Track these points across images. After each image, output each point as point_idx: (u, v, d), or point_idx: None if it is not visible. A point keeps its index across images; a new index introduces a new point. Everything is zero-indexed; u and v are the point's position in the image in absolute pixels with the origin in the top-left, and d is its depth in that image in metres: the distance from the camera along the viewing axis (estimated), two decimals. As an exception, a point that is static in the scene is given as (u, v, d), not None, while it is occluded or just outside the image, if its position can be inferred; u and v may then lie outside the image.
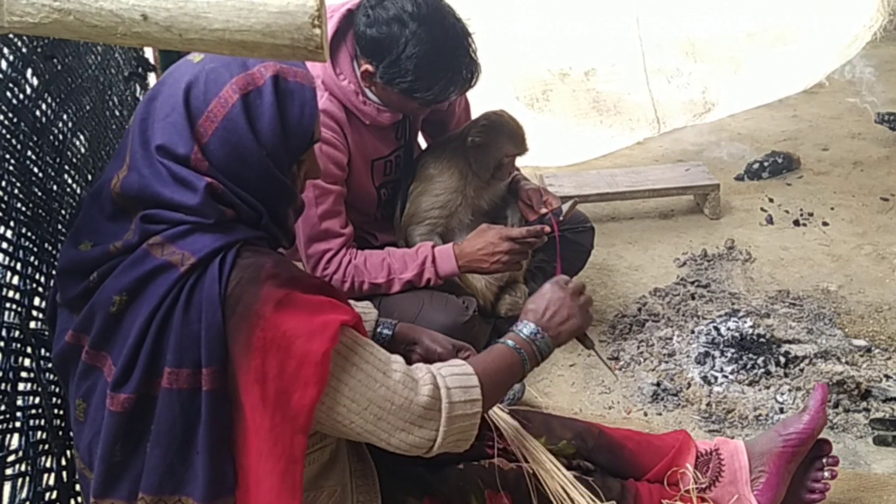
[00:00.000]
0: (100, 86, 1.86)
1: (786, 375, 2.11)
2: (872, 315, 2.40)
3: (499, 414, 1.55)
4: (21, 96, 1.34)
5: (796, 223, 2.97)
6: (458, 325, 1.99)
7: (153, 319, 1.06)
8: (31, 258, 1.30)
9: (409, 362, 1.53)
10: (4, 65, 1.30)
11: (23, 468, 1.18)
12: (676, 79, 4.00)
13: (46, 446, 1.26)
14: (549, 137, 3.51)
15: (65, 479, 1.28)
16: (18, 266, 1.26)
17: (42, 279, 1.32)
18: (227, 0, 0.80)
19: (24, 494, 1.17)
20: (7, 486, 1.15)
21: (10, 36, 1.30)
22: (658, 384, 2.14)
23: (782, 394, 2.06)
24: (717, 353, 2.21)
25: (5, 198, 1.23)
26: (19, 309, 1.24)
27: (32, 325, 1.27)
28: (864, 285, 2.56)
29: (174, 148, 1.09)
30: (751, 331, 2.25)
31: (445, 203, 2.11)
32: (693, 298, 2.49)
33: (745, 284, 2.59)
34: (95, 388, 1.11)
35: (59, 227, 1.41)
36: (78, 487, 1.28)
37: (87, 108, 1.72)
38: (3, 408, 1.15)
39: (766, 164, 3.35)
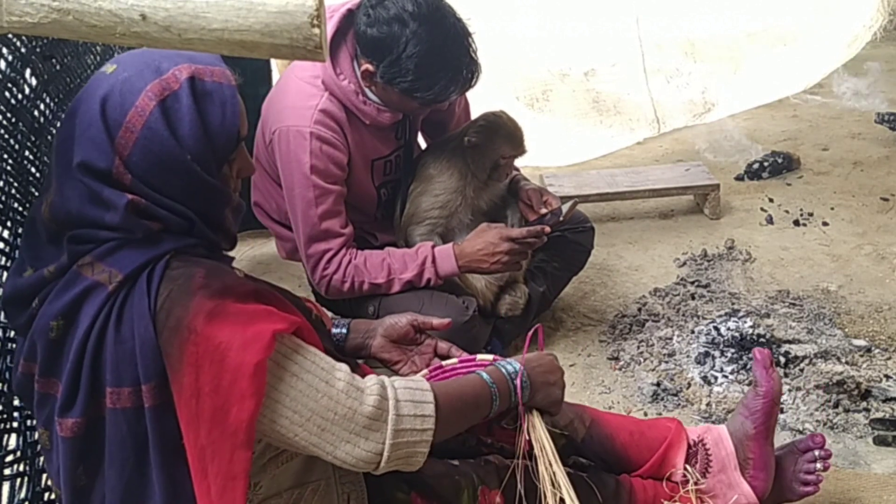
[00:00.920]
0: (99, 85, 1.86)
1: (786, 375, 2.11)
2: (872, 315, 2.39)
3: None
4: (20, 96, 1.34)
5: (796, 223, 2.97)
6: (458, 325, 1.99)
7: (88, 340, 1.04)
8: (30, 258, 1.30)
9: (371, 350, 1.49)
10: (3, 65, 1.29)
11: (21, 468, 1.18)
12: (676, 79, 3.99)
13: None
14: (548, 137, 3.51)
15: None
16: (17, 266, 1.25)
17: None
18: (226, 0, 0.80)
19: (22, 494, 1.17)
20: (6, 486, 1.15)
21: (9, 36, 1.30)
22: (658, 384, 2.13)
23: (782, 394, 2.06)
24: (717, 353, 2.21)
25: (3, 198, 1.23)
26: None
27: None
28: (864, 285, 2.56)
29: (95, 163, 1.06)
30: (751, 331, 2.25)
31: (445, 203, 2.10)
32: (693, 298, 2.49)
33: (745, 284, 2.59)
34: (53, 415, 1.09)
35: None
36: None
37: (87, 107, 1.72)
38: (0, 408, 1.15)
39: (766, 164, 3.34)
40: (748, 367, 2.13)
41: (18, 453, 1.19)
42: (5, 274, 1.23)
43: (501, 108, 2.17)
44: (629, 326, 2.38)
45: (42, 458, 1.25)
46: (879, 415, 1.98)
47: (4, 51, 1.30)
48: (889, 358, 2.18)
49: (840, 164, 3.43)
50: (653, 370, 2.20)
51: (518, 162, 2.16)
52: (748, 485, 1.59)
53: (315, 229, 1.95)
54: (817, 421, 1.98)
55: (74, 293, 1.06)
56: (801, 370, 2.11)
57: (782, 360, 2.14)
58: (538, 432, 1.35)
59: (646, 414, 2.05)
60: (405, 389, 1.14)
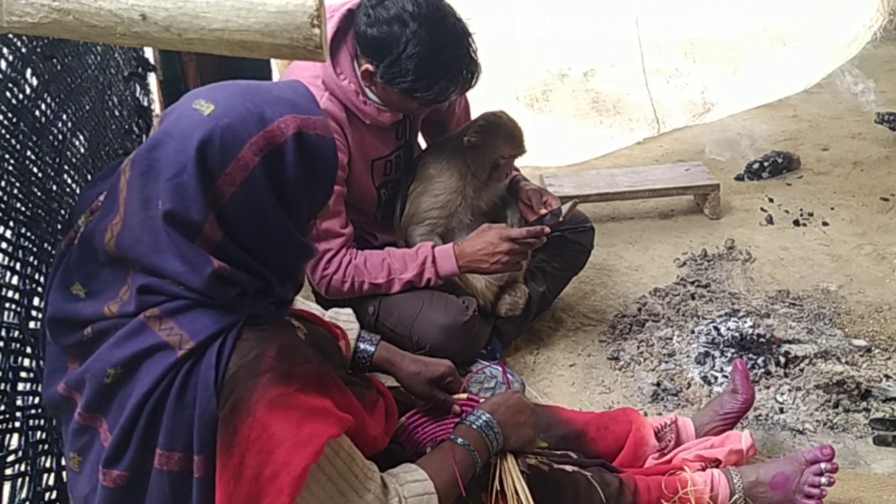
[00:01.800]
0: (100, 86, 1.86)
1: (786, 375, 2.11)
2: (872, 315, 2.39)
3: None
4: (21, 96, 1.34)
5: (796, 223, 2.97)
6: (457, 325, 1.99)
7: (147, 401, 1.02)
8: (31, 258, 1.30)
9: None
10: (4, 65, 1.30)
11: (22, 468, 1.18)
12: (675, 79, 4.00)
13: (46, 446, 1.26)
14: (548, 137, 3.52)
15: (64, 479, 1.28)
16: (18, 266, 1.26)
17: (42, 279, 1.32)
18: (226, 0, 0.80)
19: (23, 494, 1.17)
20: (7, 486, 1.15)
21: (10, 36, 1.30)
22: (658, 384, 2.14)
23: (782, 394, 2.06)
24: (717, 353, 2.21)
25: (5, 198, 1.23)
26: (19, 309, 1.24)
27: (32, 325, 1.27)
28: (864, 285, 2.56)
29: (186, 214, 0.99)
30: (751, 331, 2.25)
31: (445, 203, 2.11)
32: (693, 298, 2.49)
33: (745, 284, 2.59)
34: (91, 447, 1.08)
35: (59, 227, 1.41)
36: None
37: (87, 108, 1.73)
38: (2, 408, 1.15)
39: (766, 164, 3.34)
40: (748, 366, 2.13)
41: (20, 453, 1.19)
42: (7, 274, 1.23)
43: (501, 108, 2.17)
44: (629, 326, 2.39)
45: (44, 459, 1.25)
46: (879, 415, 1.98)
47: (5, 51, 1.31)
48: (889, 358, 2.18)
49: (840, 164, 3.43)
50: (653, 370, 2.20)
51: (518, 162, 2.16)
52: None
53: (315, 229, 1.95)
54: (817, 421, 1.98)
55: (139, 348, 1.02)
56: (801, 370, 2.11)
57: (782, 360, 2.14)
58: (510, 478, 1.35)
59: (646, 414, 2.05)
60: (415, 498, 1.16)
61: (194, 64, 2.57)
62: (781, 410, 2.02)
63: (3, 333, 1.18)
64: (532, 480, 1.39)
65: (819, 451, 1.63)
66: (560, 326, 2.42)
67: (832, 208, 3.06)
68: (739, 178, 3.33)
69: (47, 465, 1.26)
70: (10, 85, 1.31)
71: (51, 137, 1.45)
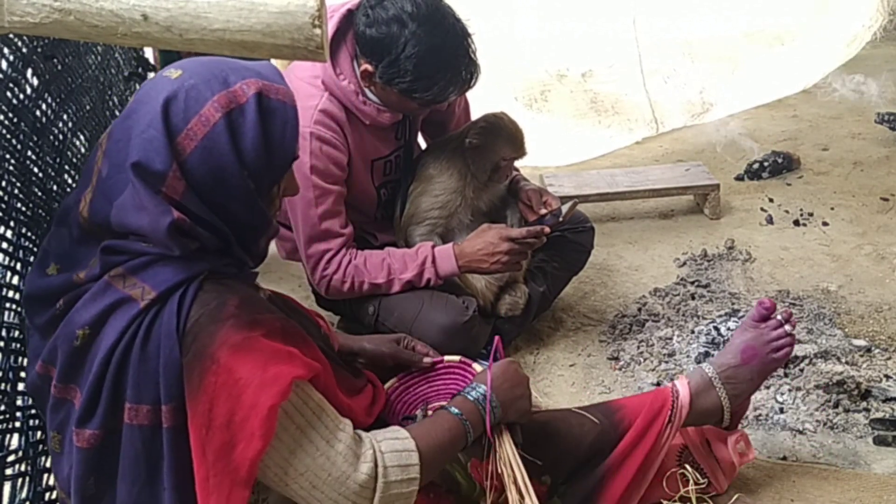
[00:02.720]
0: (100, 86, 1.86)
1: (785, 375, 2.11)
2: (872, 315, 2.39)
3: None
4: (21, 96, 1.34)
5: (796, 223, 2.97)
6: (458, 325, 1.99)
7: (113, 354, 1.04)
8: (31, 258, 1.30)
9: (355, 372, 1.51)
10: (4, 65, 1.30)
11: (22, 468, 1.18)
12: (673, 79, 4.00)
13: (46, 446, 1.25)
14: (547, 137, 3.52)
15: (65, 479, 1.28)
16: (18, 266, 1.26)
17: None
18: (228, 0, 0.80)
19: (23, 494, 1.17)
20: (7, 486, 1.15)
21: (11, 36, 1.30)
22: (658, 384, 2.14)
23: (782, 394, 2.06)
24: (717, 353, 2.21)
25: (5, 198, 1.23)
26: (19, 309, 1.24)
27: (32, 325, 1.26)
28: (864, 285, 2.56)
29: (151, 164, 1.04)
30: (751, 331, 2.25)
31: (445, 203, 2.11)
32: (693, 298, 2.49)
33: (745, 284, 2.59)
34: (69, 421, 1.09)
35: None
36: None
37: (87, 108, 1.73)
38: (2, 408, 1.15)
39: (766, 164, 3.34)
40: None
41: (20, 453, 1.19)
42: (8, 274, 1.23)
43: (500, 108, 2.17)
44: (629, 326, 2.39)
45: (44, 459, 1.25)
46: (879, 415, 1.98)
47: (6, 51, 1.31)
48: (889, 358, 2.18)
49: (840, 164, 3.43)
50: (653, 370, 2.20)
51: (517, 162, 2.17)
52: None
53: (315, 229, 1.95)
54: (817, 421, 1.98)
55: (104, 304, 1.05)
56: (801, 370, 2.11)
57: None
58: (506, 454, 1.37)
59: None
60: (393, 453, 1.16)
61: (194, 64, 2.57)
62: (781, 410, 2.02)
63: (3, 333, 1.18)
64: (524, 431, 1.41)
65: (759, 306, 1.68)
66: (560, 326, 2.42)
67: (832, 208, 3.06)
68: (739, 178, 3.33)
69: (47, 465, 1.26)
70: (11, 85, 1.31)
71: (51, 137, 1.45)
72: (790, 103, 4.14)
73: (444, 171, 2.11)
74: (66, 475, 1.11)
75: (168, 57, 2.53)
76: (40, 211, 1.35)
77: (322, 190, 1.92)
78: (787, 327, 1.65)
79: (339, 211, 1.98)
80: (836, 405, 2.01)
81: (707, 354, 2.21)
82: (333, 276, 1.99)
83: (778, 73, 4.17)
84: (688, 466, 1.64)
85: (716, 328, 2.30)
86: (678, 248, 2.84)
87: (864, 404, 2.02)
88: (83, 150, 1.65)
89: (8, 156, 1.26)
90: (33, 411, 1.24)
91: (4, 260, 1.23)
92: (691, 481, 1.60)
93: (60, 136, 1.51)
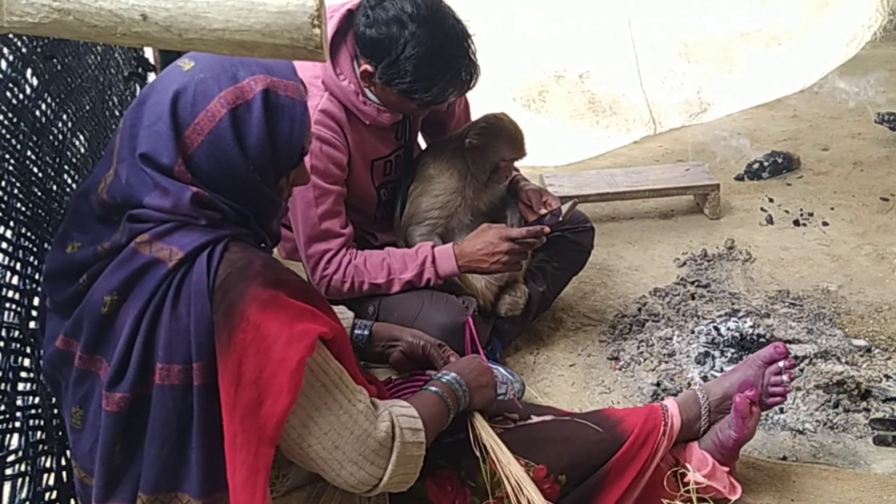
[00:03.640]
0: (100, 86, 1.86)
1: (786, 375, 2.11)
2: (872, 315, 2.39)
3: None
4: (21, 96, 1.34)
5: (796, 223, 2.97)
6: (458, 325, 1.99)
7: (143, 316, 1.05)
8: (31, 258, 1.30)
9: (389, 360, 1.55)
10: (4, 65, 1.30)
11: (23, 468, 1.18)
12: (670, 79, 4.01)
13: (46, 446, 1.26)
14: (546, 138, 3.52)
15: (65, 479, 1.28)
16: (18, 266, 1.26)
17: (42, 279, 1.32)
18: (227, 0, 0.80)
19: (23, 494, 1.17)
20: (7, 486, 1.15)
21: (10, 36, 1.30)
22: (658, 384, 2.14)
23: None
24: (717, 353, 2.21)
25: (5, 198, 1.23)
26: (19, 309, 1.24)
27: (32, 325, 1.27)
28: (864, 285, 2.56)
29: (157, 157, 1.08)
30: (751, 331, 2.25)
31: (445, 203, 2.11)
32: (693, 298, 2.49)
33: (745, 284, 2.59)
34: (93, 393, 1.10)
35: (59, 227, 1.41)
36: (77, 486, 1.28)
37: (87, 108, 1.73)
38: (2, 408, 1.15)
39: (766, 164, 3.34)
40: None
41: (20, 453, 1.19)
42: (7, 274, 1.23)
43: (498, 109, 2.17)
44: (629, 326, 2.39)
45: (44, 459, 1.25)
46: (879, 415, 1.98)
47: (5, 51, 1.31)
48: (889, 358, 2.18)
49: (840, 164, 3.43)
50: (653, 370, 2.20)
51: (517, 162, 2.16)
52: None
53: (315, 229, 1.95)
54: (817, 421, 1.98)
55: (131, 269, 1.07)
56: (801, 370, 2.11)
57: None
58: (485, 432, 1.44)
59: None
60: (404, 417, 1.19)
61: (194, 64, 2.57)
62: (781, 410, 2.02)
63: (3, 333, 1.18)
64: (521, 437, 1.46)
65: (773, 349, 1.69)
66: (560, 326, 2.42)
67: (832, 208, 3.06)
68: (739, 178, 3.33)
69: (47, 465, 1.26)
70: (11, 85, 1.31)
71: (51, 137, 1.45)
72: (790, 103, 4.14)
73: (444, 171, 2.11)
74: (87, 451, 1.12)
75: (168, 57, 2.53)
76: (40, 211, 1.34)
77: (322, 190, 1.92)
78: (784, 377, 1.68)
79: (339, 211, 1.98)
80: (836, 405, 2.01)
81: (707, 354, 2.21)
82: (333, 276, 1.99)
83: (776, 72, 4.18)
84: (688, 465, 1.64)
85: (716, 328, 2.30)
86: (678, 248, 2.84)
87: (864, 404, 2.02)
88: (83, 150, 1.65)
89: (7, 156, 1.26)
90: (33, 411, 1.24)
91: (4, 260, 1.23)
92: (692, 481, 1.60)
93: (60, 136, 1.51)
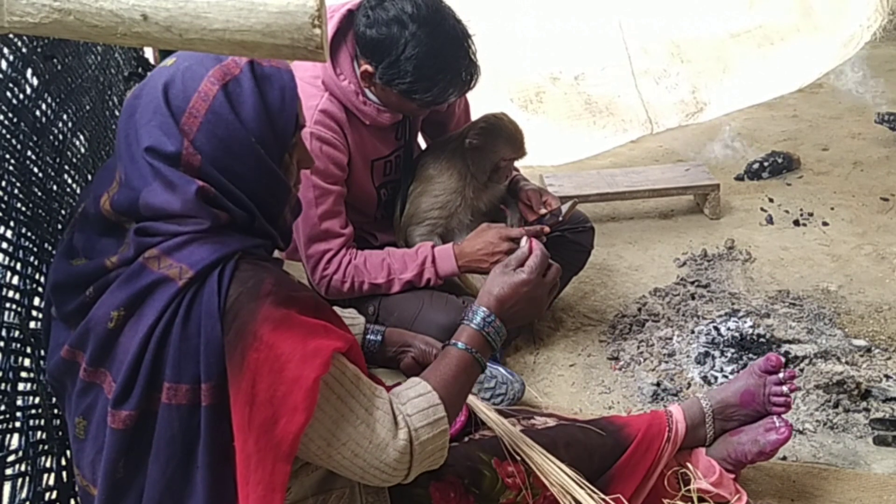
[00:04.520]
0: (100, 86, 1.86)
1: (786, 375, 2.11)
2: (872, 315, 2.39)
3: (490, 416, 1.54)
4: (21, 96, 1.34)
5: (796, 223, 2.97)
6: (457, 325, 1.98)
7: (152, 334, 1.04)
8: (31, 258, 1.30)
9: (400, 366, 1.55)
10: (4, 65, 1.29)
11: (23, 468, 1.18)
12: (664, 80, 4.02)
13: (46, 446, 1.25)
14: (544, 138, 3.53)
15: (65, 479, 1.28)
16: (18, 266, 1.26)
17: (42, 279, 1.32)
18: (227, 0, 0.80)
19: (23, 494, 1.17)
20: (7, 486, 1.15)
21: (10, 36, 1.30)
22: (658, 384, 2.14)
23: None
24: (717, 353, 2.21)
25: (5, 198, 1.23)
26: (19, 309, 1.24)
27: (32, 325, 1.26)
28: (864, 285, 2.56)
29: (163, 147, 1.08)
30: (751, 331, 2.25)
31: (445, 203, 2.11)
32: (693, 298, 2.49)
33: (745, 284, 2.59)
34: (96, 406, 1.10)
35: (59, 227, 1.41)
36: (78, 492, 1.28)
37: (87, 108, 1.72)
38: (2, 408, 1.15)
39: (766, 164, 3.34)
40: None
41: (20, 453, 1.18)
42: (8, 274, 1.23)
43: (496, 109, 2.17)
44: (629, 326, 2.39)
45: (44, 459, 1.25)
46: (879, 415, 1.98)
47: (6, 51, 1.30)
48: (889, 358, 2.18)
49: (840, 164, 3.43)
50: (653, 370, 2.20)
51: (516, 163, 2.17)
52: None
53: (315, 229, 1.95)
54: (817, 421, 1.98)
55: (140, 285, 1.06)
56: (801, 370, 2.11)
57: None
58: (492, 419, 1.46)
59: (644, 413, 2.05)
60: (419, 414, 1.16)
61: (194, 64, 2.57)
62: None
63: (3, 333, 1.18)
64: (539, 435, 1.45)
65: (765, 362, 1.69)
66: (560, 326, 2.42)
67: (832, 208, 3.07)
68: (739, 178, 3.33)
69: (47, 465, 1.26)
70: (11, 85, 1.31)
71: (51, 137, 1.45)
72: (790, 103, 4.14)
73: (444, 171, 2.11)
74: (90, 461, 1.11)
75: (168, 57, 2.53)
76: (40, 211, 1.34)
77: (322, 190, 1.92)
78: (785, 388, 1.68)
79: (339, 211, 1.98)
80: (836, 405, 2.01)
81: (707, 354, 2.21)
82: (333, 276, 1.99)
83: (771, 72, 4.19)
84: (689, 465, 1.64)
85: (716, 328, 2.30)
86: (678, 248, 2.84)
87: (864, 404, 2.02)
88: (83, 150, 1.65)
89: (8, 156, 1.26)
90: (33, 411, 1.24)
91: (4, 260, 1.23)
92: (693, 481, 1.60)
93: (60, 136, 1.51)
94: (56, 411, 1.29)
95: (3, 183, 1.23)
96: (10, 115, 1.28)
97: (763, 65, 4.20)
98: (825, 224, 2.95)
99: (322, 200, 1.93)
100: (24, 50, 1.37)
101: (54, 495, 1.25)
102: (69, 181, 1.52)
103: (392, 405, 1.16)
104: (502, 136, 2.08)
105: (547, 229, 2.02)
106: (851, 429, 1.96)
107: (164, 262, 1.06)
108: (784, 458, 1.87)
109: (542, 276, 1.35)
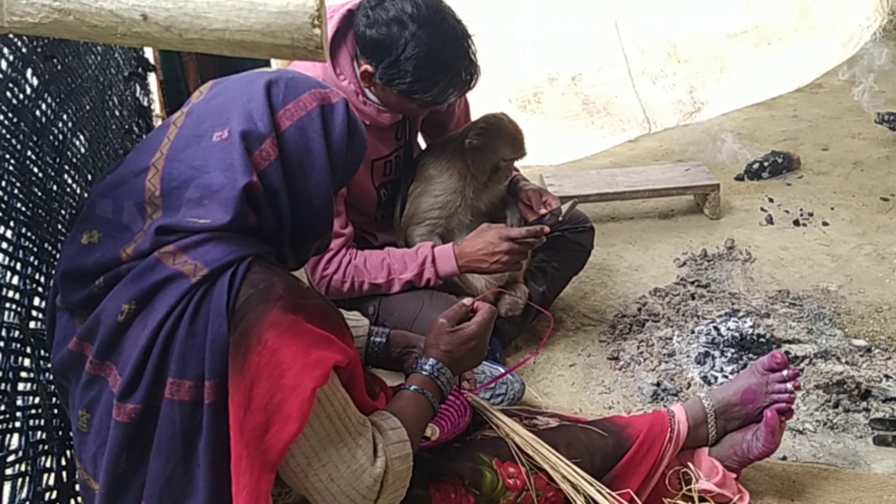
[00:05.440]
0: (100, 86, 1.86)
1: (786, 375, 2.11)
2: (872, 315, 2.39)
3: (506, 422, 1.54)
4: (21, 96, 1.34)
5: (796, 223, 2.97)
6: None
7: (161, 329, 1.05)
8: (31, 258, 1.30)
9: (403, 367, 1.54)
10: (4, 65, 1.30)
11: (23, 468, 1.18)
12: (662, 80, 4.03)
13: (46, 446, 1.25)
14: (543, 138, 3.53)
15: (65, 479, 1.28)
16: (18, 266, 1.26)
17: (42, 279, 1.32)
18: (227, 0, 0.80)
19: (23, 494, 1.17)
20: (7, 486, 1.15)
21: (10, 36, 1.30)
22: (658, 384, 2.14)
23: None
24: (717, 353, 2.21)
25: (5, 198, 1.23)
26: (19, 309, 1.24)
27: (32, 325, 1.27)
28: (864, 285, 2.56)
29: (254, 127, 1.11)
30: (751, 331, 2.25)
31: (445, 204, 2.11)
32: (693, 298, 2.49)
33: (745, 284, 2.59)
34: (100, 399, 1.10)
35: (59, 227, 1.41)
36: (78, 487, 1.28)
37: (87, 108, 1.73)
38: (2, 408, 1.15)
39: (766, 164, 3.34)
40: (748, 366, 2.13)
41: (20, 453, 1.18)
42: (7, 274, 1.23)
43: (495, 110, 2.17)
44: (629, 326, 2.39)
45: (44, 459, 1.25)
46: (879, 415, 1.98)
47: (6, 51, 1.31)
48: (889, 358, 2.18)
49: (840, 164, 3.43)
50: (653, 370, 2.20)
51: (517, 162, 2.17)
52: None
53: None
54: (817, 421, 1.98)
55: (153, 280, 1.06)
56: (801, 370, 2.11)
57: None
58: (500, 418, 1.48)
59: (646, 413, 2.05)
60: (394, 446, 1.19)
61: (194, 64, 2.57)
62: (790, 411, 2.02)
63: (3, 333, 1.18)
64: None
65: (770, 359, 1.69)
66: (560, 326, 2.42)
67: (832, 208, 3.07)
68: (739, 178, 3.33)
69: (47, 465, 1.26)
70: (11, 85, 1.31)
71: (51, 137, 1.45)
72: (790, 103, 4.14)
73: (444, 171, 2.11)
74: (91, 455, 1.11)
75: (168, 57, 2.53)
76: (40, 211, 1.34)
77: (322, 190, 1.92)
78: (790, 385, 1.67)
79: (339, 211, 1.98)
80: (836, 405, 2.01)
81: (707, 354, 2.21)
82: (333, 276, 1.99)
83: (769, 72, 4.20)
84: (690, 465, 1.64)
85: (716, 328, 2.30)
86: (678, 248, 2.84)
87: (864, 404, 2.02)
88: (83, 150, 1.65)
89: (8, 156, 1.26)
90: (33, 411, 1.24)
91: (4, 260, 1.23)
92: (694, 480, 1.60)
93: (60, 137, 1.51)
94: (56, 411, 1.29)
95: (3, 183, 1.23)
96: (10, 115, 1.28)
97: (761, 65, 4.21)
98: (825, 224, 2.95)
99: (322, 200, 1.93)
100: (24, 50, 1.37)
101: (54, 495, 1.25)
102: (69, 181, 1.52)
103: (374, 434, 1.17)
104: (502, 136, 2.08)
105: (547, 229, 2.02)
106: (851, 429, 1.96)
107: (180, 258, 1.07)
108: (784, 458, 1.87)
109: (487, 328, 1.42)
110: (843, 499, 1.75)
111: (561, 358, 2.29)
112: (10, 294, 1.23)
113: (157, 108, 2.61)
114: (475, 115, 2.20)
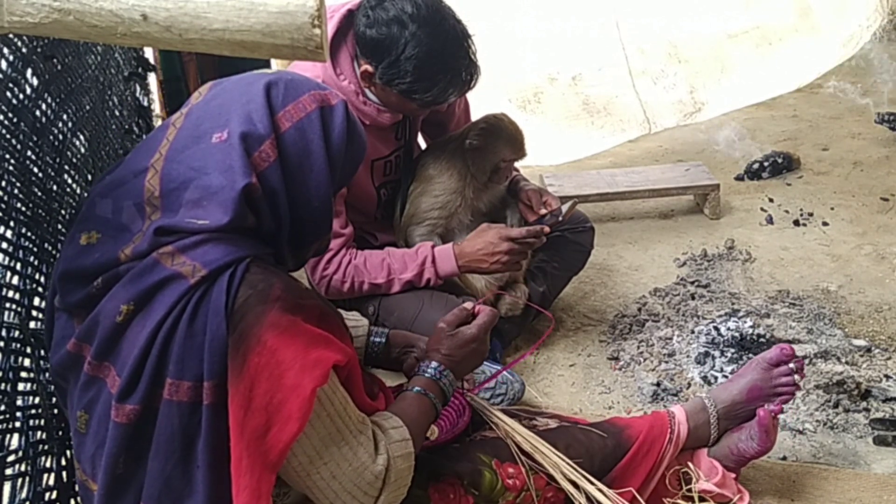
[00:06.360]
0: (100, 86, 1.86)
1: (786, 375, 2.11)
2: (872, 315, 2.39)
3: (508, 423, 1.54)
4: (21, 96, 1.34)
5: (796, 223, 2.97)
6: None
7: (160, 330, 1.05)
8: (31, 258, 1.30)
9: (402, 367, 1.54)
10: (4, 65, 1.30)
11: (23, 468, 1.18)
12: (662, 80, 4.03)
13: (46, 446, 1.25)
14: (543, 138, 3.53)
15: (65, 479, 1.28)
16: (18, 266, 1.26)
17: (42, 279, 1.32)
18: (227, 0, 0.80)
19: (23, 494, 1.17)
20: (7, 486, 1.15)
21: (10, 36, 1.30)
22: (658, 384, 2.14)
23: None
24: (717, 353, 2.21)
25: (5, 198, 1.23)
26: (19, 309, 1.24)
27: (32, 325, 1.27)
28: (864, 285, 2.56)
29: (254, 130, 1.11)
30: (751, 331, 2.25)
31: (445, 204, 2.11)
32: (693, 298, 2.49)
33: (745, 284, 2.59)
34: (98, 400, 1.10)
35: (59, 227, 1.41)
36: (77, 488, 1.28)
37: (87, 108, 1.73)
38: (2, 408, 1.15)
39: (766, 164, 3.34)
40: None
41: (20, 453, 1.18)
42: (7, 274, 1.23)
43: (495, 110, 2.17)
44: (629, 326, 2.39)
45: (44, 459, 1.25)
46: (879, 415, 1.98)
47: (6, 51, 1.31)
48: (889, 358, 2.18)
49: (840, 164, 3.43)
50: (653, 370, 2.20)
51: (517, 163, 2.16)
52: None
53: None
54: (817, 421, 1.98)
55: (152, 281, 1.06)
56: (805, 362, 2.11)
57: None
58: (501, 418, 1.48)
59: (646, 414, 2.05)
60: (396, 444, 1.20)
61: (195, 64, 2.57)
62: (781, 410, 2.01)
63: (3, 333, 1.18)
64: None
65: (779, 351, 1.69)
66: (560, 326, 2.42)
67: (832, 208, 3.07)
68: (739, 178, 3.33)
69: (47, 465, 1.26)
70: (11, 85, 1.31)
71: (51, 137, 1.45)
72: (790, 103, 4.14)
73: (444, 171, 2.11)
74: (90, 456, 1.11)
75: (168, 57, 2.53)
76: (40, 211, 1.34)
77: (322, 190, 1.92)
78: (797, 377, 1.68)
79: (339, 211, 1.98)
80: (836, 405, 2.01)
81: (707, 354, 2.21)
82: (333, 277, 1.99)
83: (769, 72, 4.19)
84: (690, 465, 1.64)
85: (716, 328, 2.30)
86: (678, 248, 2.84)
87: (864, 404, 2.02)
88: (83, 150, 1.65)
89: (8, 156, 1.26)
90: (33, 411, 1.24)
91: (4, 260, 1.23)
92: (694, 480, 1.60)
93: (60, 137, 1.51)
94: (56, 411, 1.29)
95: (3, 183, 1.23)
96: (10, 115, 1.28)
97: (761, 65, 4.21)
98: (825, 224, 2.95)
99: (322, 200, 1.93)
100: (24, 50, 1.37)
101: (54, 495, 1.25)
102: (69, 181, 1.52)
103: (374, 432, 1.18)
104: (502, 136, 2.08)
105: (547, 229, 2.02)
106: (851, 429, 1.96)
107: (178, 258, 1.07)
108: (784, 458, 1.87)
109: (487, 331, 1.43)
110: (843, 499, 1.75)
111: (561, 358, 2.29)
112: (10, 294, 1.23)
113: (157, 108, 2.61)
114: (475, 116, 2.20)
